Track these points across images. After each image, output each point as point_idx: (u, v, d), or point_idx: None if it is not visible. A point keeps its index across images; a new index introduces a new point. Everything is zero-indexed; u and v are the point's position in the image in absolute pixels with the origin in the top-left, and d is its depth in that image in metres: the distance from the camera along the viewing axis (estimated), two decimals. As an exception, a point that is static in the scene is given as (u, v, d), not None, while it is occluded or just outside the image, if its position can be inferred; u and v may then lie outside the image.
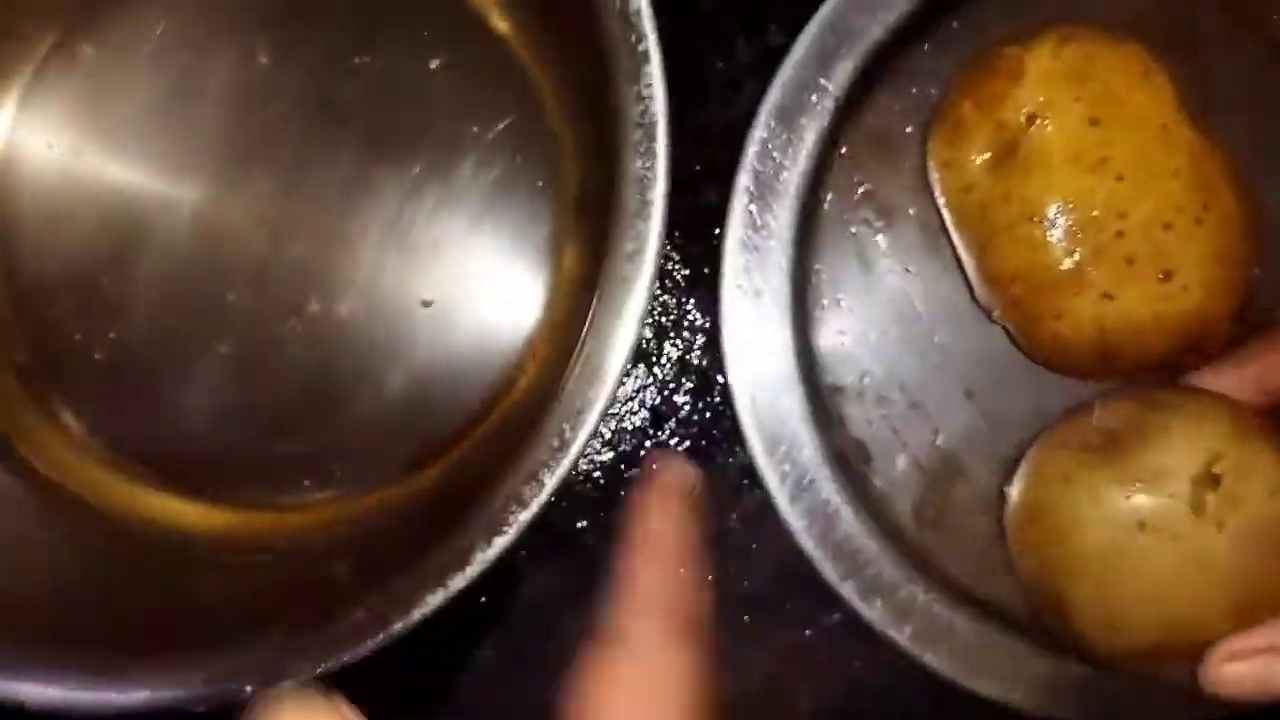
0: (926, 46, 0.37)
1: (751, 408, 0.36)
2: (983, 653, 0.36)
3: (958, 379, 0.38)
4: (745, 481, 0.40)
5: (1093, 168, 0.31)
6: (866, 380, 0.38)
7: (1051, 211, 0.31)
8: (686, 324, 0.40)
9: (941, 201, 0.34)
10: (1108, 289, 0.31)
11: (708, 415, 0.40)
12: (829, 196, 0.38)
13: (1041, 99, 0.32)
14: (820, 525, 0.36)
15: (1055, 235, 0.31)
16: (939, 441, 0.38)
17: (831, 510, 0.36)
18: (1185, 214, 0.31)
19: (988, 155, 0.33)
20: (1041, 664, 0.36)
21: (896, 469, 0.38)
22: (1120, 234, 0.31)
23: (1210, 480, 0.29)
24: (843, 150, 0.37)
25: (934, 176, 0.34)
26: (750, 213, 0.36)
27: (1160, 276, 0.31)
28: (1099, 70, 0.31)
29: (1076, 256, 0.31)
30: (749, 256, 0.36)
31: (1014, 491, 0.33)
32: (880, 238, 0.38)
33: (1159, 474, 0.29)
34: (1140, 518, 0.29)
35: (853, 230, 0.38)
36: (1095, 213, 0.31)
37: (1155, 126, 0.31)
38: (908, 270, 0.38)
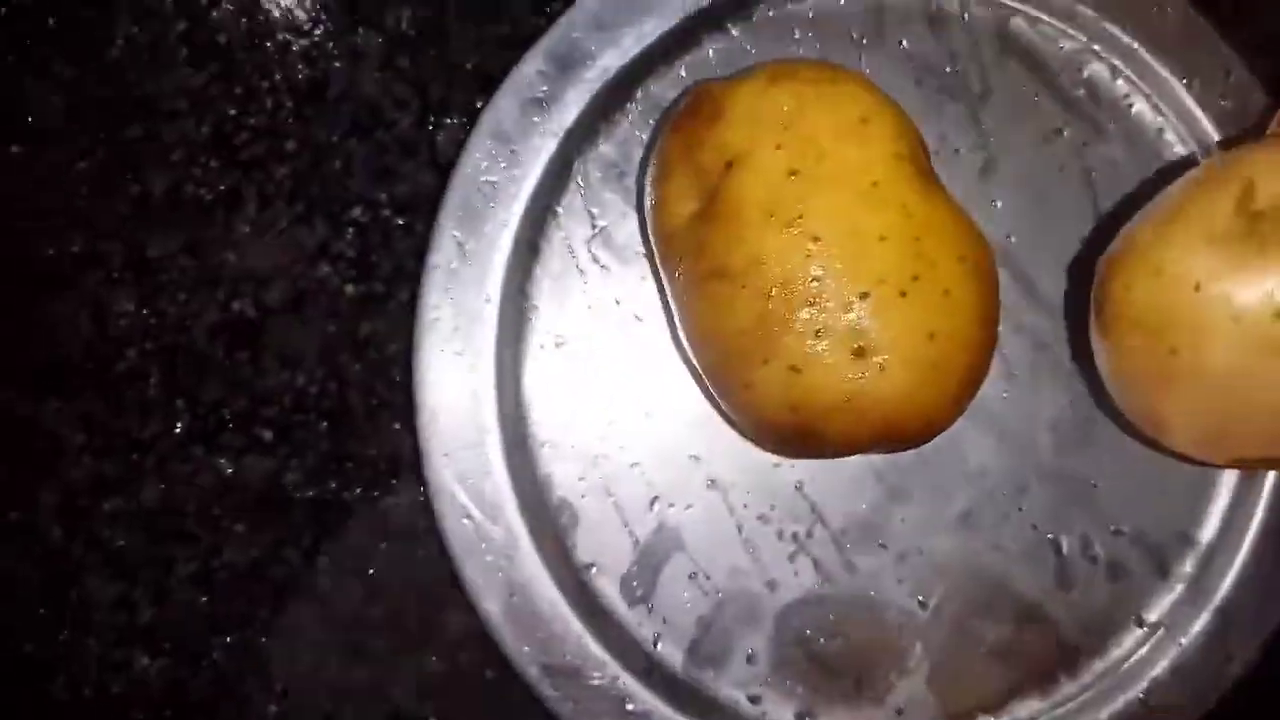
0: (681, 71, 0.34)
1: (443, 461, 0.32)
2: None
3: (682, 441, 0.34)
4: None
5: (787, 224, 0.27)
6: (579, 435, 0.34)
7: (740, 271, 0.27)
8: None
9: (654, 248, 0.31)
10: (795, 362, 0.27)
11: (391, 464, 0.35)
12: (557, 230, 0.34)
13: (741, 144, 0.28)
14: (515, 597, 0.32)
15: (743, 297, 0.27)
16: (656, 509, 0.34)
17: (525, 579, 0.33)
18: (887, 284, 0.27)
19: (693, 203, 0.29)
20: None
21: (606, 535, 0.34)
22: (811, 301, 0.27)
23: None
24: (578, 179, 0.34)
25: (648, 219, 0.31)
26: (456, 241, 0.32)
27: (853, 352, 0.27)
28: (808, 115, 0.28)
29: (764, 323, 0.27)
30: (451, 289, 0.32)
31: (1116, 278, 0.28)
32: (610, 279, 0.34)
33: None
34: None
35: (580, 268, 0.34)
36: (789, 275, 0.27)
37: (863, 183, 0.27)
38: (636, 318, 0.34)
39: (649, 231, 0.31)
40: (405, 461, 0.34)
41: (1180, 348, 0.26)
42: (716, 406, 0.32)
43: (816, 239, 0.27)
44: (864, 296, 0.27)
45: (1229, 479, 0.35)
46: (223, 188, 0.35)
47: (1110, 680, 0.34)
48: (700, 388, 0.33)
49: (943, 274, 0.27)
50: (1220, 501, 0.35)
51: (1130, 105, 0.35)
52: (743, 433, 0.32)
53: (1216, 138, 0.35)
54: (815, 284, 0.27)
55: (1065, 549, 0.35)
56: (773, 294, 0.27)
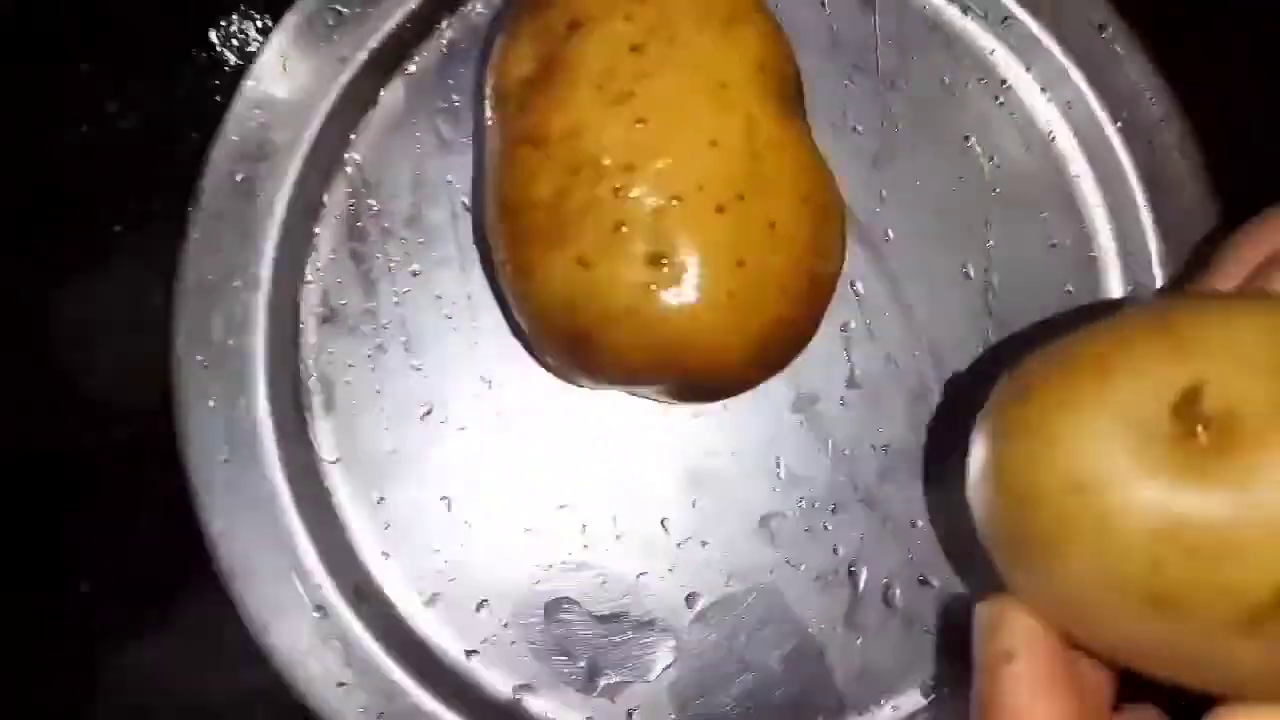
0: None
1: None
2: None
3: (476, 361, 0.30)
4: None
5: (615, 101, 0.24)
6: (366, 320, 0.30)
7: (552, 138, 0.24)
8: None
9: (488, 114, 0.27)
10: (583, 253, 0.24)
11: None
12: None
13: (590, 7, 0.24)
14: (229, 462, 0.28)
15: (548, 168, 0.24)
16: (427, 422, 0.30)
17: (251, 447, 0.28)
18: (705, 193, 0.23)
19: (531, 64, 0.25)
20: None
21: (362, 433, 0.30)
22: (618, 190, 0.23)
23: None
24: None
25: (487, 80, 0.27)
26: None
27: (648, 257, 0.23)
28: (672, -6, 0.24)
29: (563, 201, 0.24)
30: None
31: (1006, 419, 0.21)
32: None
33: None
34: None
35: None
36: (601, 155, 0.24)
37: (710, 80, 0.24)
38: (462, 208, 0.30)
39: (486, 94, 0.27)
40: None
41: (1048, 545, 0.19)
42: (509, 317, 0.28)
43: (642, 122, 0.24)
44: (676, 199, 0.23)
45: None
46: None
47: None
48: (493, 288, 0.29)
49: (774, 204, 0.24)
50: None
51: (1052, 137, 0.33)
52: (525, 341, 0.28)
53: (1140, 196, 0.32)
54: (626, 172, 0.23)
55: (863, 585, 0.31)
56: (579, 172, 0.24)
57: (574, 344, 0.25)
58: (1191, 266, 0.31)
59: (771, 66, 0.25)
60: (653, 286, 0.23)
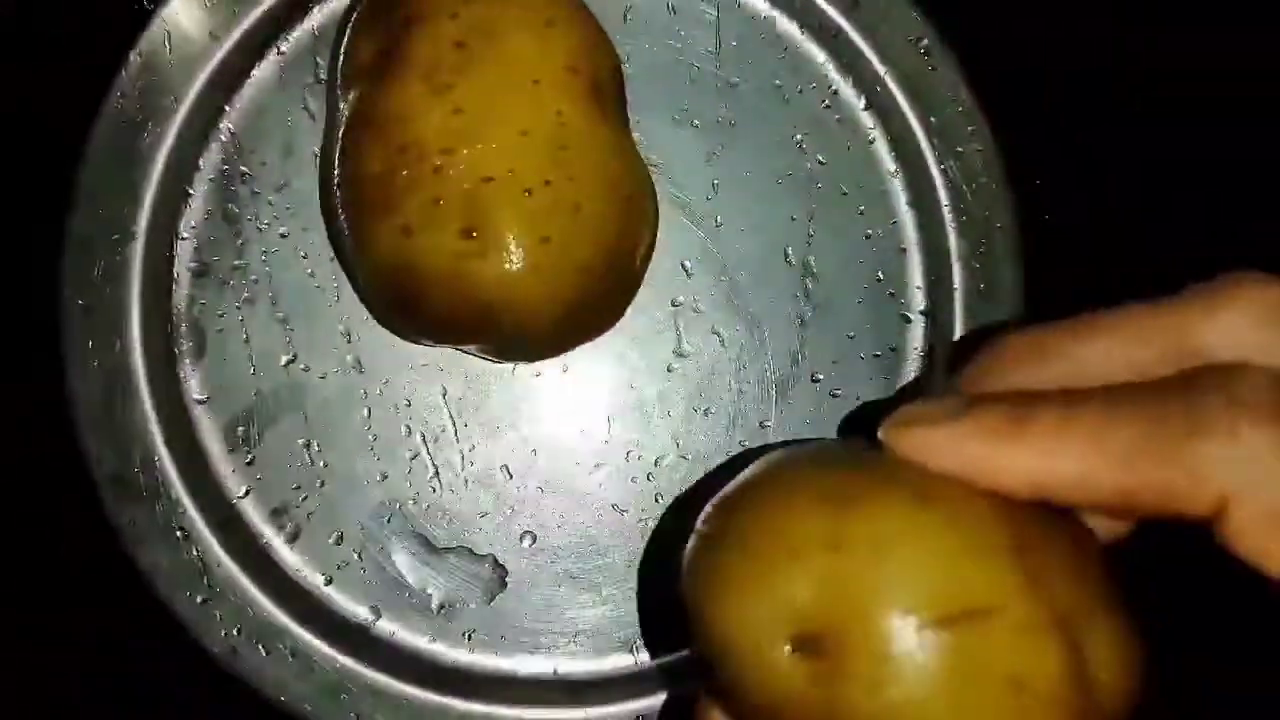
0: None
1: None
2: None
3: (338, 313, 0.33)
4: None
5: (437, 91, 0.27)
6: (235, 275, 0.33)
7: (383, 121, 0.27)
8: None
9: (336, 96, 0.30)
10: (408, 223, 0.27)
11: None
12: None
13: (424, 6, 0.27)
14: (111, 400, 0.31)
15: (379, 147, 0.27)
16: (290, 368, 0.33)
17: (126, 384, 0.31)
18: (517, 177, 0.27)
19: (372, 54, 0.28)
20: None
21: (229, 377, 0.33)
22: (438, 169, 0.26)
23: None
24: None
25: (338, 64, 0.30)
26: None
27: (462, 230, 0.26)
28: (496, -2, 0.27)
29: (390, 178, 0.27)
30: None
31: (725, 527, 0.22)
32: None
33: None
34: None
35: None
36: (424, 137, 0.27)
37: (523, 78, 0.27)
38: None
39: (335, 77, 0.30)
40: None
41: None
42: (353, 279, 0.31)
43: (458, 111, 0.27)
44: (487, 180, 0.26)
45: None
46: None
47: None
48: (338, 255, 0.32)
49: (578, 188, 0.27)
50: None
51: (871, 140, 0.36)
52: (363, 299, 0.31)
53: (944, 195, 0.35)
54: (445, 154, 0.26)
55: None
56: (405, 150, 0.27)
57: (400, 304, 0.28)
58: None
59: (584, 68, 0.28)
60: (465, 255, 0.27)
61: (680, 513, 0.34)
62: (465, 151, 0.26)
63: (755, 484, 0.22)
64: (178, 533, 0.32)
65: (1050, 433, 0.19)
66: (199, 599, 0.32)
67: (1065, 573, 0.19)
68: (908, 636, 0.18)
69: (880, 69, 0.35)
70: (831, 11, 0.35)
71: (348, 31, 0.29)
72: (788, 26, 0.36)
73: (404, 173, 0.27)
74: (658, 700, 0.33)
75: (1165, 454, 0.18)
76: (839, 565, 0.19)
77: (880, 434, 0.21)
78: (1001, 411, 0.19)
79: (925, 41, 0.35)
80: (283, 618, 0.32)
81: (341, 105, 0.29)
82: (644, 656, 0.34)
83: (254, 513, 0.33)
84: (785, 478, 0.21)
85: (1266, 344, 0.19)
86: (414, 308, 0.28)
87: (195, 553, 0.32)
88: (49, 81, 0.34)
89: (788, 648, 0.19)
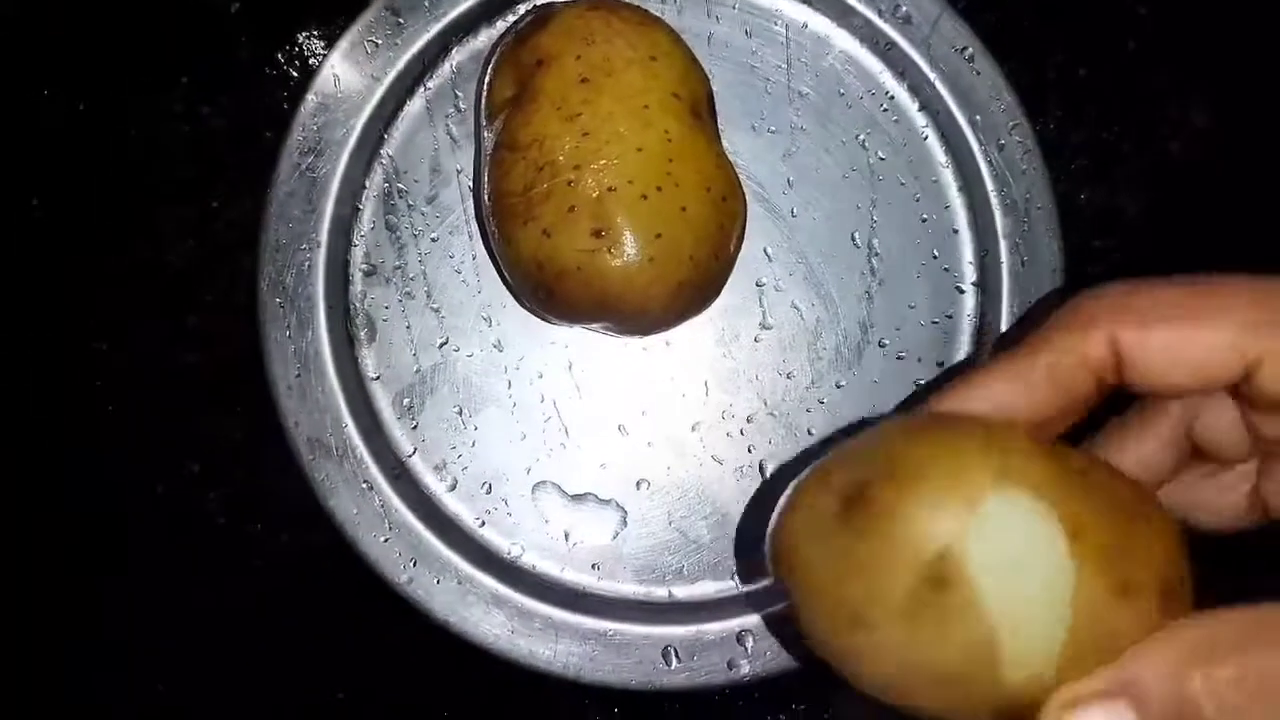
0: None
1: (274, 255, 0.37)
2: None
3: (481, 302, 0.39)
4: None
5: (568, 118, 0.32)
6: (398, 274, 0.39)
7: (524, 145, 0.32)
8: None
9: (482, 125, 0.35)
10: (547, 227, 0.32)
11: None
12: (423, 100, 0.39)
13: (551, 49, 0.33)
14: (300, 376, 0.37)
15: (521, 166, 0.32)
16: (444, 349, 0.39)
17: (316, 364, 0.37)
18: (634, 186, 0.32)
19: (512, 89, 0.34)
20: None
21: (395, 356, 0.39)
22: (571, 183, 0.32)
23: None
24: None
25: (481, 100, 0.35)
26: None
27: (592, 231, 0.32)
28: (611, 40, 0.32)
29: (532, 190, 0.32)
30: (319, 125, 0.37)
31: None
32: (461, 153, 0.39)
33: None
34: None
35: (435, 138, 0.39)
36: (558, 157, 0.32)
37: (636, 104, 0.32)
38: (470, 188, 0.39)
39: (480, 110, 0.35)
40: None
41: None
42: (500, 273, 0.37)
43: (586, 134, 0.32)
44: (611, 190, 0.32)
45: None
46: None
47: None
48: (488, 252, 0.38)
49: (684, 193, 0.32)
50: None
51: (925, 137, 0.40)
52: (510, 288, 0.36)
53: (990, 183, 0.39)
54: (576, 169, 0.32)
55: (769, 475, 0.39)
56: (543, 169, 0.32)
57: (541, 292, 0.33)
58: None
59: (684, 92, 0.33)
60: (595, 251, 0.32)
61: (769, 464, 0.39)
62: (592, 167, 0.32)
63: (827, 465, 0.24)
64: (362, 484, 0.37)
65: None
66: (381, 539, 0.38)
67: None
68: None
69: (930, 75, 0.39)
70: (886, 27, 0.39)
71: (488, 73, 0.35)
72: (849, 42, 0.40)
73: (543, 186, 0.32)
74: (751, 620, 0.38)
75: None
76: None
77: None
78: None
79: (969, 50, 0.39)
80: (446, 551, 0.38)
81: (486, 133, 0.35)
82: (739, 584, 0.39)
83: (420, 468, 0.39)
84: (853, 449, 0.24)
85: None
86: (554, 295, 0.33)
87: (377, 501, 0.38)
88: (235, 118, 0.40)
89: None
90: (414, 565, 0.38)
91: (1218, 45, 0.41)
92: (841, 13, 0.39)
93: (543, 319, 0.37)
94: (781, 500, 0.25)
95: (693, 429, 0.39)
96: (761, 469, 0.39)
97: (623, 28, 0.33)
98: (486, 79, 0.35)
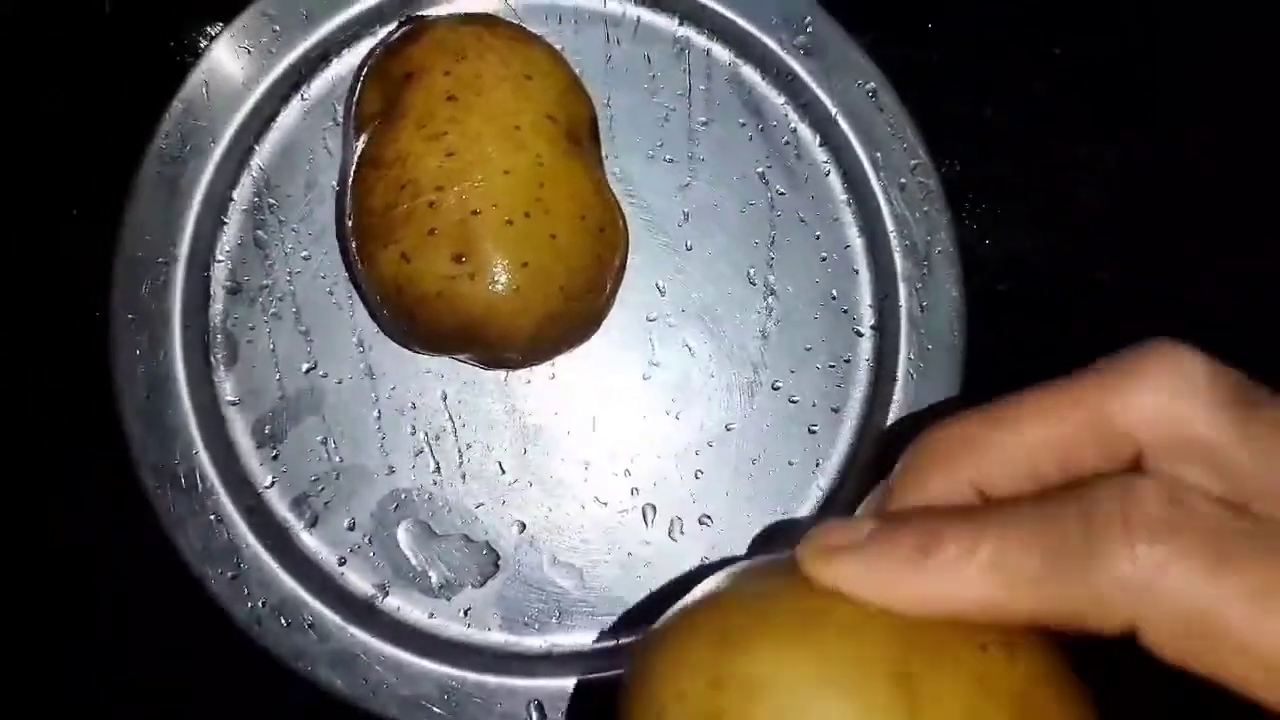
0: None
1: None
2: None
3: (353, 325, 0.36)
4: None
5: (433, 136, 0.30)
6: (263, 291, 0.36)
7: (387, 162, 0.30)
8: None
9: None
10: (406, 250, 0.30)
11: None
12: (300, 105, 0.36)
13: (420, 63, 0.30)
14: (151, 397, 0.34)
15: (382, 185, 0.30)
16: (310, 373, 0.36)
17: (165, 385, 0.35)
18: (499, 210, 0.30)
19: (380, 104, 0.31)
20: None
21: (257, 380, 0.36)
22: (432, 204, 0.30)
23: None
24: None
25: (351, 112, 0.33)
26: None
27: (452, 255, 0.29)
28: (483, 56, 0.30)
29: (393, 210, 0.30)
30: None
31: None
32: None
33: None
34: None
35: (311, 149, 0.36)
36: (420, 176, 0.30)
37: (506, 125, 0.30)
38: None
39: (348, 123, 0.33)
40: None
41: None
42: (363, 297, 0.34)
43: (451, 154, 0.30)
44: (475, 213, 0.29)
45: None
46: None
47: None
48: (350, 275, 0.35)
49: (555, 221, 0.30)
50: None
51: (827, 173, 0.38)
52: (373, 314, 0.34)
53: (890, 224, 0.38)
54: (439, 191, 0.29)
55: (653, 520, 0.37)
56: (404, 188, 0.30)
57: (401, 319, 0.31)
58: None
59: (561, 115, 0.31)
60: (455, 278, 0.29)
61: (654, 507, 0.37)
62: (456, 189, 0.29)
63: (663, 630, 0.21)
64: (211, 517, 0.35)
65: (954, 560, 0.18)
66: (229, 575, 0.35)
67: (966, 688, 0.18)
68: None
69: (833, 109, 0.38)
70: (789, 59, 0.38)
71: (359, 84, 0.33)
72: (751, 73, 0.38)
73: (403, 207, 0.30)
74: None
75: (1068, 580, 0.17)
76: (719, 703, 0.18)
77: (797, 555, 0.20)
78: (908, 537, 0.19)
79: (872, 85, 0.38)
80: (301, 593, 0.35)
81: (354, 146, 0.32)
82: (621, 635, 0.37)
83: (278, 501, 0.36)
84: (686, 619, 0.20)
85: (1184, 417, 0.18)
86: (412, 322, 0.31)
87: (226, 535, 0.35)
88: (101, 120, 0.38)
89: None
90: (263, 606, 0.35)
91: (1128, 88, 0.40)
92: (745, 42, 0.38)
93: (408, 348, 0.34)
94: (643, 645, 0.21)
95: (575, 467, 0.37)
96: (645, 514, 0.37)
97: (496, 44, 0.31)
98: (357, 91, 0.33)
